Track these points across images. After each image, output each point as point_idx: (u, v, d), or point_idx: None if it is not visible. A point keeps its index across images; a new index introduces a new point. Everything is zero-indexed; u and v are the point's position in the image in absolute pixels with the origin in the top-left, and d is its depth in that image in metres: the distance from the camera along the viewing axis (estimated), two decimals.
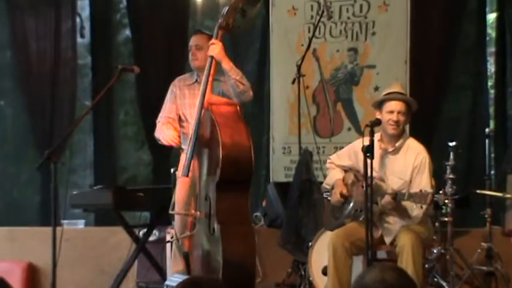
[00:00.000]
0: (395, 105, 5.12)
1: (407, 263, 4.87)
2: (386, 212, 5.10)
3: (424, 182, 5.03)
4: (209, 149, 5.07)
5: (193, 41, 5.54)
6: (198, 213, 5.16)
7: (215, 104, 5.08)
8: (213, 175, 4.99)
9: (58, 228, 5.04)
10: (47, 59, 7.78)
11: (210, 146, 5.05)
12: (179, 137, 5.52)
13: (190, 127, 5.27)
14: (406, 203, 4.95)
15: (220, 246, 4.83)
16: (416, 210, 4.91)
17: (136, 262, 6.47)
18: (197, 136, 5.12)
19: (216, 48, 5.23)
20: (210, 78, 5.20)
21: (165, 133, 5.50)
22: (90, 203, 6.38)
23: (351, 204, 5.19)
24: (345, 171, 5.35)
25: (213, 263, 4.98)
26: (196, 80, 5.53)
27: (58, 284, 5.29)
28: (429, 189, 4.84)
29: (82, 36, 7.86)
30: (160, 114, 5.65)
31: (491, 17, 7.35)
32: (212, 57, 5.22)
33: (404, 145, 5.18)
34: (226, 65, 5.27)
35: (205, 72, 5.24)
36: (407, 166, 5.10)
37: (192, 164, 5.22)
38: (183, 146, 5.48)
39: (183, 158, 5.30)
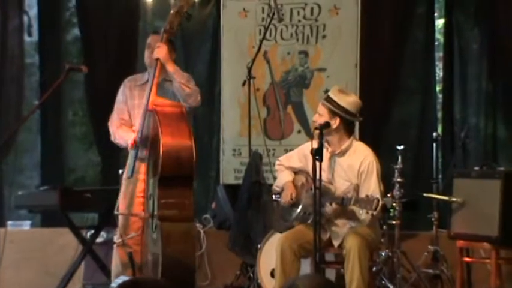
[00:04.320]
0: (318, 107, 5.21)
1: (353, 265, 4.88)
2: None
3: (372, 187, 5.03)
4: (154, 150, 5.07)
5: (154, 39, 5.51)
6: (143, 213, 5.15)
7: (159, 106, 5.13)
8: (157, 175, 5.00)
9: (2, 229, 4.97)
10: None
11: (155, 147, 5.05)
12: None
13: (135, 128, 5.34)
14: (354, 207, 4.97)
15: (160, 243, 4.84)
16: (363, 214, 4.92)
17: (82, 264, 6.40)
18: (142, 137, 5.17)
19: (161, 51, 5.27)
20: (156, 80, 5.25)
21: (124, 136, 5.43)
22: (35, 204, 6.27)
23: (300, 207, 5.19)
24: (295, 173, 5.35)
25: (159, 263, 4.94)
26: (148, 80, 5.50)
27: (2, 285, 5.21)
28: (376, 195, 4.84)
29: (30, 34, 7.70)
30: (113, 117, 5.59)
31: (440, 22, 7.43)
32: (158, 59, 5.27)
33: (351, 148, 5.19)
34: (171, 67, 5.33)
35: (151, 74, 5.31)
36: (354, 169, 5.10)
37: (140, 167, 5.24)
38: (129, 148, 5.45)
39: (130, 159, 5.29)
